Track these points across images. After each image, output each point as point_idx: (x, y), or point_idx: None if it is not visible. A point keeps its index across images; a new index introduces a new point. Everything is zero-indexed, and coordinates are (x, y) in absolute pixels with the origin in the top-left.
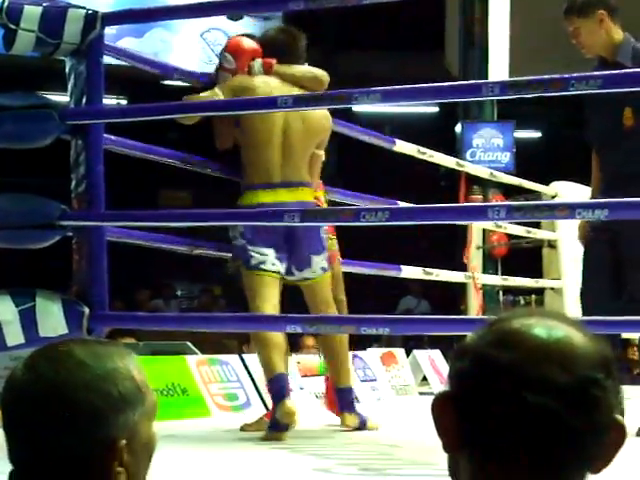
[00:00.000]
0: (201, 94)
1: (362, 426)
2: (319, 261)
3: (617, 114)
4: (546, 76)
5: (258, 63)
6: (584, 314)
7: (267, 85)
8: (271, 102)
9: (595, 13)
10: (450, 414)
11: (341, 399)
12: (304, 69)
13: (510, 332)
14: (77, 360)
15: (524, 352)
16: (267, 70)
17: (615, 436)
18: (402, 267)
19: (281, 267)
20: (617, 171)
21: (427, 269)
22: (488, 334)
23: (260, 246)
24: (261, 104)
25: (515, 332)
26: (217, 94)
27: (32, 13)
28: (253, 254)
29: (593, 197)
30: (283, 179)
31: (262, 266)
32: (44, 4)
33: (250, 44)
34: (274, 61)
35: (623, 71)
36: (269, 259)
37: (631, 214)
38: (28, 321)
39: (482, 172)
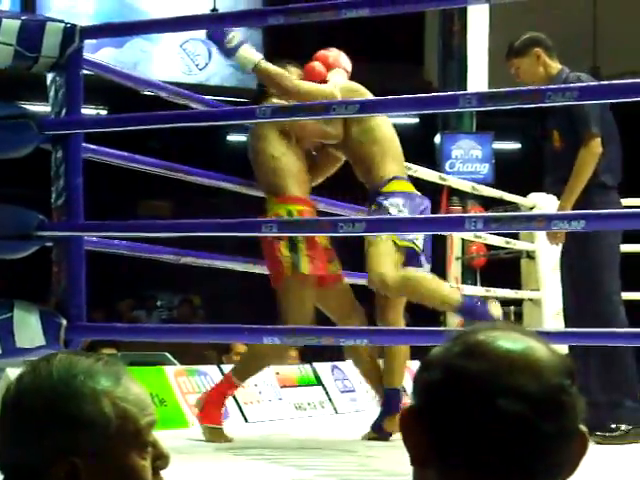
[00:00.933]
0: (321, 86)
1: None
2: None
3: (550, 137)
4: (523, 88)
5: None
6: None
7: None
8: (250, 113)
9: (532, 51)
10: (418, 427)
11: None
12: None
13: (477, 343)
14: (47, 373)
15: (494, 362)
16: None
17: (580, 444)
18: None
19: None
20: (552, 191)
21: None
22: (455, 346)
23: None
24: (240, 114)
25: (482, 343)
26: (334, 93)
27: (10, 27)
28: None
29: None
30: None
31: None
32: (22, 17)
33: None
34: None
35: (599, 83)
36: None
37: (607, 225)
38: (5, 332)
39: (464, 185)
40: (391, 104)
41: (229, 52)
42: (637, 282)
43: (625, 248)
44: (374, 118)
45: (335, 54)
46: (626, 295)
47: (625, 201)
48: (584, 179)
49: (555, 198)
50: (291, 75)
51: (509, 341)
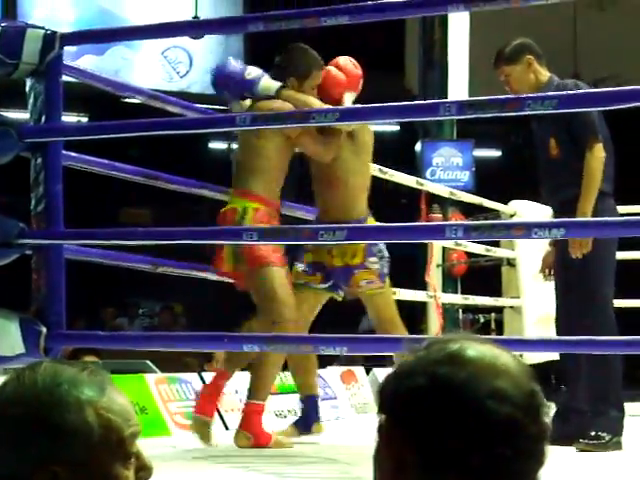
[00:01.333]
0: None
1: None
2: None
3: (545, 145)
4: (502, 96)
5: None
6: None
7: None
8: (230, 120)
9: (523, 58)
10: (400, 436)
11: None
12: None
13: (455, 352)
14: (32, 381)
15: (477, 368)
16: None
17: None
18: None
19: None
20: (549, 199)
21: (392, 289)
22: (432, 355)
23: None
24: (221, 122)
25: (460, 352)
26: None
27: None
28: None
29: None
30: None
31: None
32: (2, 24)
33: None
34: None
35: (578, 92)
36: None
37: (587, 233)
38: None
39: (442, 191)
40: (371, 112)
41: (250, 83)
42: (627, 289)
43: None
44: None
45: (358, 75)
46: (617, 303)
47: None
48: (597, 184)
49: (554, 205)
50: (309, 95)
51: (483, 350)
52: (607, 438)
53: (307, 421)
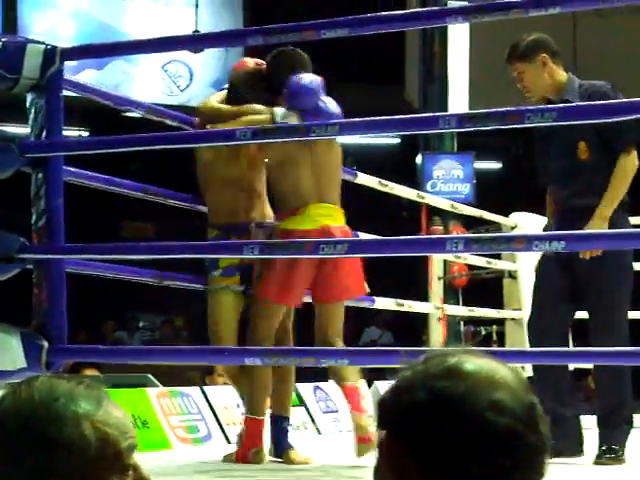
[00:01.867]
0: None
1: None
2: None
3: (572, 148)
4: (502, 109)
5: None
6: (534, 344)
7: None
8: (231, 134)
9: (538, 57)
10: (400, 450)
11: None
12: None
13: (454, 366)
14: (28, 395)
15: (475, 381)
16: None
17: None
18: (375, 298)
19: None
20: (571, 203)
21: (399, 300)
22: (430, 369)
23: None
24: (221, 136)
25: (458, 365)
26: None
27: None
28: None
29: (545, 230)
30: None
31: None
32: (2, 39)
33: None
34: None
35: (576, 104)
36: None
37: (587, 245)
38: None
39: (443, 204)
40: (371, 125)
41: None
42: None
43: None
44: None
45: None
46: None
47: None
48: (625, 189)
49: (571, 210)
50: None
51: (480, 363)
52: (620, 451)
53: (278, 446)
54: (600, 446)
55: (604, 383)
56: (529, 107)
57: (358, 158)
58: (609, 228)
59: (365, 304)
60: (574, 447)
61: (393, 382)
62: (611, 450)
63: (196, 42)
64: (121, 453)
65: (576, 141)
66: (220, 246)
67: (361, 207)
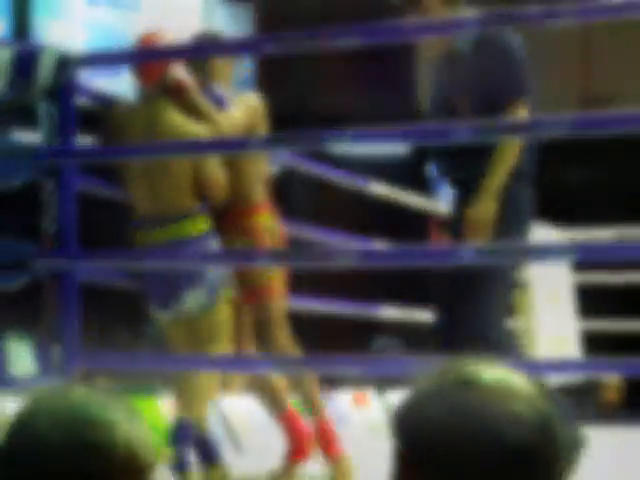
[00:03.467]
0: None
1: None
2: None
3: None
4: (510, 120)
5: None
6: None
7: None
8: (245, 143)
9: None
10: (415, 464)
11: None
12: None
13: (470, 377)
14: (64, 402)
15: (492, 393)
16: None
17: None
18: (381, 307)
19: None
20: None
21: (407, 310)
22: (447, 380)
23: None
24: (235, 145)
25: (474, 377)
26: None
27: (3, 55)
28: None
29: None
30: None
31: None
32: (16, 46)
33: None
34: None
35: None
36: None
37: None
38: None
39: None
40: (382, 135)
41: None
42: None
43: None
44: None
45: None
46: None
47: None
48: (513, 158)
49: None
50: None
51: (497, 373)
52: None
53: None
54: None
55: None
56: (547, 116)
57: (369, 166)
58: (504, 203)
59: (372, 312)
60: None
61: (408, 393)
62: None
63: (210, 51)
64: (144, 469)
65: (457, 95)
66: (232, 254)
67: (374, 215)
